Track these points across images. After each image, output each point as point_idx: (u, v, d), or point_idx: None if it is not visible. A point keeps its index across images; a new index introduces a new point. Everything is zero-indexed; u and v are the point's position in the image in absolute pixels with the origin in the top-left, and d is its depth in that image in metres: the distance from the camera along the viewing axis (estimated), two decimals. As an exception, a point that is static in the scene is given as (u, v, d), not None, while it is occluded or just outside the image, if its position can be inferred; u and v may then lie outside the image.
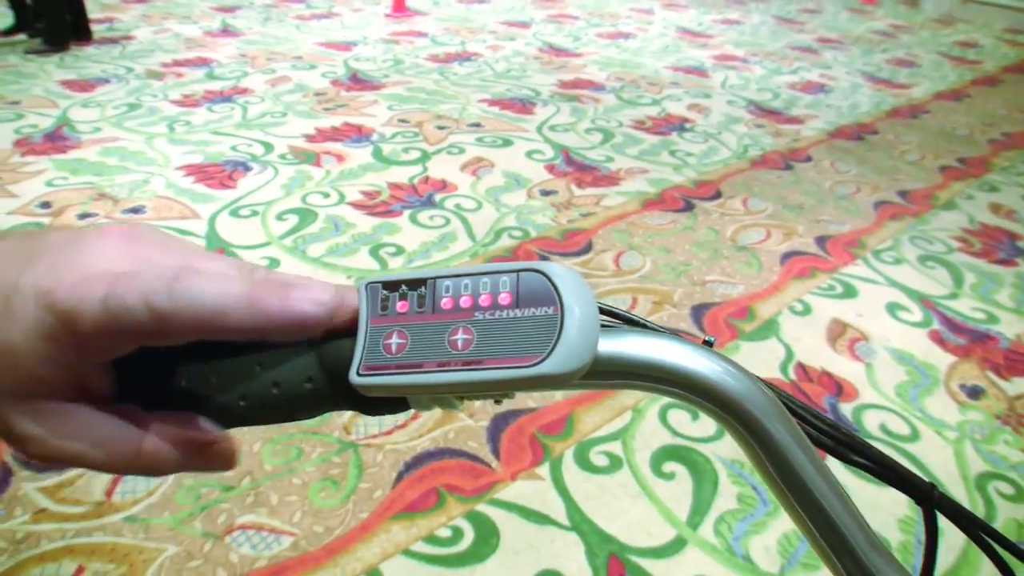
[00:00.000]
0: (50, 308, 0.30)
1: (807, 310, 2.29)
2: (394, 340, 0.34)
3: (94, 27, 4.95)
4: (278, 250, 2.46)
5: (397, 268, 2.39)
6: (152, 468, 0.35)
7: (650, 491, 1.63)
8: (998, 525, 1.60)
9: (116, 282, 0.30)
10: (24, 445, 0.32)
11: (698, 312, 2.24)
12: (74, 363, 0.31)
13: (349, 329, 0.35)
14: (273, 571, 1.41)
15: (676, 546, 1.51)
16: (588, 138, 3.61)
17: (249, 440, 1.70)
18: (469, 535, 1.50)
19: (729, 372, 0.34)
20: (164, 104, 3.77)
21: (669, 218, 2.85)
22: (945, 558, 1.51)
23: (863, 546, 0.35)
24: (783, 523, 1.57)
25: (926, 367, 2.08)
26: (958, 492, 1.68)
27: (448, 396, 0.35)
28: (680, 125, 3.87)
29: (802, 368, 2.03)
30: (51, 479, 1.58)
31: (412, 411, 0.37)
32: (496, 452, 1.70)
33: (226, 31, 5.36)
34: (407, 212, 2.76)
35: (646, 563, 1.47)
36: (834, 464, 0.45)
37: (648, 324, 0.38)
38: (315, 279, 0.34)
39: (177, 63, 4.50)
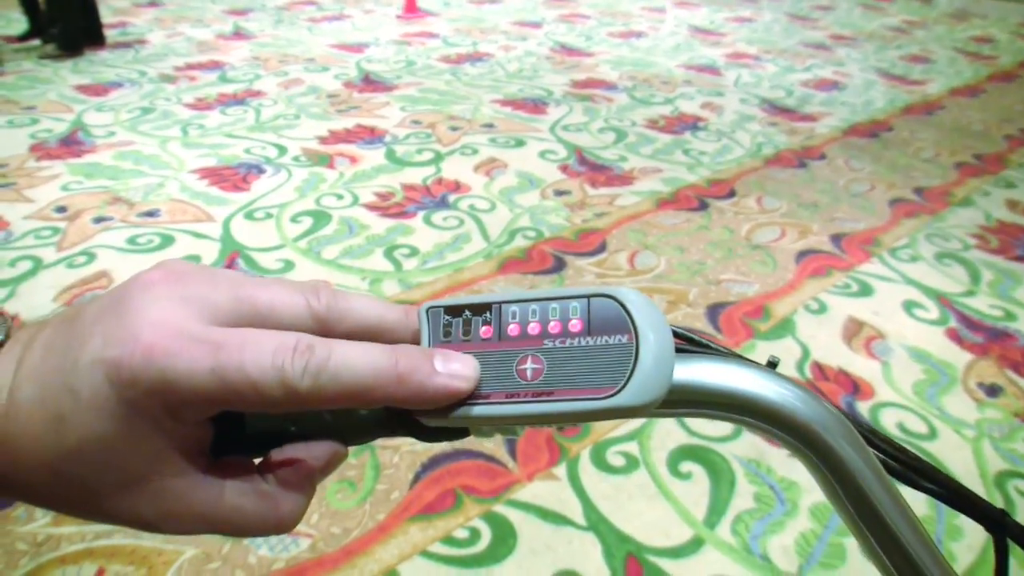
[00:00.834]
0: (129, 382, 0.28)
1: (823, 309, 2.28)
2: None
3: (107, 32, 4.98)
4: (292, 252, 2.47)
5: (412, 270, 2.39)
6: (292, 523, 0.33)
7: (667, 491, 1.62)
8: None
9: (223, 351, 0.28)
10: (161, 528, 0.31)
11: (713, 311, 2.24)
12: (170, 429, 0.29)
13: None
14: (291, 573, 1.41)
15: (693, 546, 1.51)
16: (601, 138, 3.60)
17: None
18: (486, 536, 1.50)
19: (801, 398, 0.33)
20: (178, 107, 3.79)
21: (683, 217, 2.84)
22: (965, 557, 1.50)
23: None
24: (801, 523, 1.56)
25: (943, 365, 2.06)
26: (977, 491, 1.66)
27: (513, 426, 0.34)
28: (693, 124, 3.86)
29: (818, 367, 2.02)
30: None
31: None
32: (513, 453, 1.70)
33: (238, 34, 5.39)
34: (421, 213, 2.77)
35: (664, 563, 1.46)
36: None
37: (713, 346, 0.37)
38: (452, 351, 0.33)
39: (190, 66, 4.52)
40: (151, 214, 2.70)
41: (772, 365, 0.35)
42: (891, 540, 0.34)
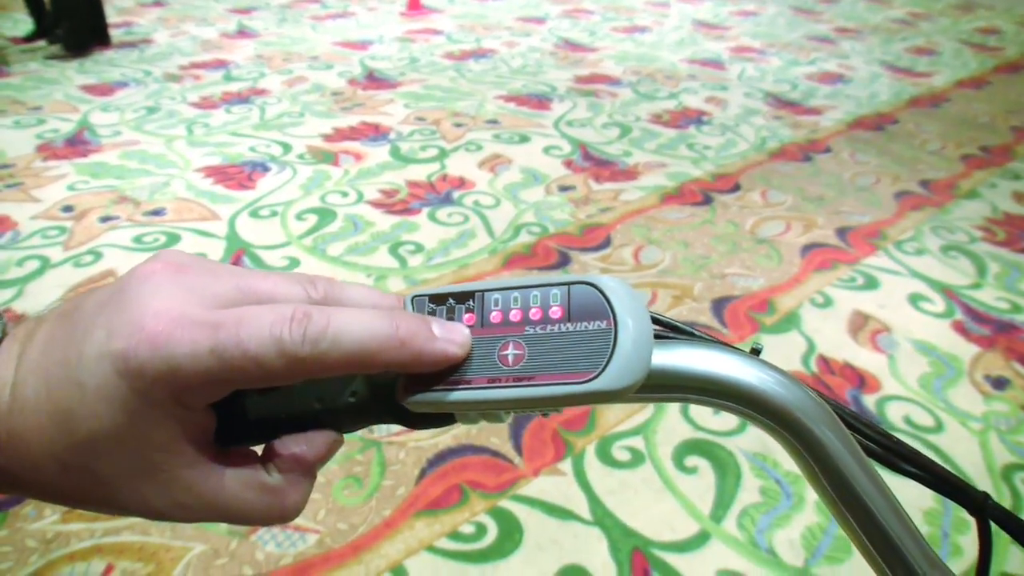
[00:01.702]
0: (137, 372, 0.28)
1: (828, 302, 2.28)
2: None
3: (112, 31, 4.99)
4: (298, 250, 2.47)
5: (417, 266, 2.40)
6: (295, 512, 0.34)
7: (673, 485, 1.63)
8: (1025, 516, 1.59)
9: (222, 329, 0.28)
10: (172, 517, 0.32)
11: (718, 306, 2.23)
12: (179, 416, 0.30)
13: None
14: (298, 568, 1.42)
15: (699, 540, 1.51)
16: (605, 133, 3.60)
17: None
18: (492, 531, 1.51)
19: (781, 382, 0.34)
20: (183, 107, 3.80)
21: (688, 212, 2.84)
22: (973, 551, 1.50)
23: (919, 561, 0.35)
24: (807, 516, 1.56)
25: (950, 358, 2.06)
26: (983, 484, 1.66)
27: (497, 412, 0.35)
28: (698, 118, 3.85)
29: (824, 361, 2.02)
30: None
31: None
32: (518, 448, 1.71)
33: (243, 33, 5.39)
34: (426, 210, 2.77)
35: (670, 557, 1.47)
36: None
37: (696, 332, 0.37)
38: (445, 321, 0.34)
39: (195, 65, 4.53)
40: (157, 213, 2.71)
41: (756, 352, 0.36)
42: (870, 520, 0.34)
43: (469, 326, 0.34)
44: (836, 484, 0.34)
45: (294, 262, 2.39)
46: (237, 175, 3.02)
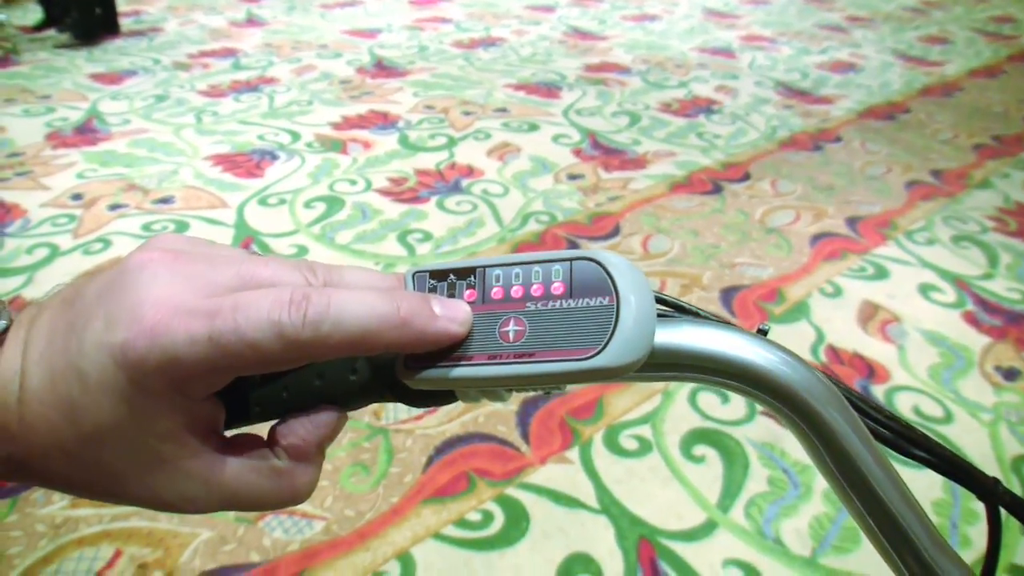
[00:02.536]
0: (136, 364, 0.27)
1: (838, 292, 2.26)
2: None
3: (122, 20, 4.99)
4: (306, 238, 2.47)
5: (425, 254, 2.39)
6: (306, 494, 0.34)
7: (680, 474, 1.62)
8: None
9: (218, 317, 0.28)
10: (182, 509, 0.31)
11: (727, 295, 2.23)
12: (182, 407, 0.29)
13: None
14: (305, 555, 1.42)
15: (707, 529, 1.51)
16: (615, 121, 3.58)
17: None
18: (499, 519, 1.51)
19: (787, 362, 0.33)
20: (191, 95, 3.80)
21: (697, 201, 2.82)
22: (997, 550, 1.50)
23: (926, 544, 0.34)
24: (814, 506, 1.56)
25: (960, 348, 2.05)
26: (993, 474, 1.65)
27: (497, 389, 0.34)
28: (707, 107, 3.83)
29: (833, 350, 2.01)
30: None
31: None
32: (526, 436, 1.70)
33: (251, 21, 5.39)
34: (434, 198, 2.77)
35: (677, 546, 1.46)
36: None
37: (701, 312, 0.37)
38: (445, 298, 0.33)
39: (203, 54, 4.53)
40: (166, 201, 2.71)
41: (762, 332, 0.35)
42: (877, 504, 0.34)
43: (470, 302, 0.33)
44: (842, 466, 0.33)
45: (302, 250, 2.39)
46: (245, 163, 3.02)
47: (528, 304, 0.33)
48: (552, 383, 0.32)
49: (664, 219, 2.67)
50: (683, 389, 1.85)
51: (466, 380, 0.32)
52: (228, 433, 0.34)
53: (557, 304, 0.32)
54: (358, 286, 0.34)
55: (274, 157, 3.08)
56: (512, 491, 1.57)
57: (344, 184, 2.86)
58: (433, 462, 1.63)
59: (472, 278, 0.34)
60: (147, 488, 0.30)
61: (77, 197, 2.72)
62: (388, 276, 0.36)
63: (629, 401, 1.81)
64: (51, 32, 4.70)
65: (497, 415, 1.76)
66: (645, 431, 1.73)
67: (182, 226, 2.53)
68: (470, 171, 3.00)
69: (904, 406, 1.83)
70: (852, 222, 2.69)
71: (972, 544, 1.49)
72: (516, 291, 0.33)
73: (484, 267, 0.34)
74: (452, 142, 3.28)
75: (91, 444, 0.29)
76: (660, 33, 5.36)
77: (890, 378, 1.92)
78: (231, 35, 4.97)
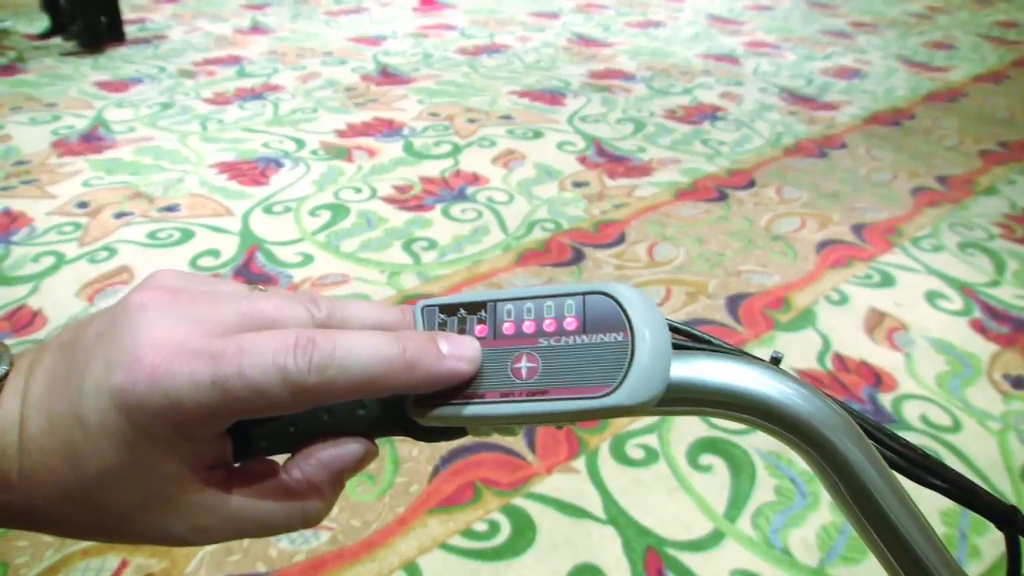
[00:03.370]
0: (137, 407, 0.27)
1: (844, 299, 2.26)
2: None
3: (127, 28, 5.01)
4: (312, 246, 2.47)
5: (431, 262, 2.39)
6: (318, 519, 0.33)
7: (687, 484, 1.62)
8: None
9: (223, 360, 0.27)
10: (193, 542, 0.31)
11: (733, 303, 2.22)
12: (185, 448, 0.29)
13: None
14: (312, 565, 1.42)
15: (714, 539, 1.50)
16: (619, 128, 3.58)
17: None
18: (506, 529, 1.50)
19: (803, 395, 0.32)
20: (196, 102, 3.81)
21: (703, 208, 2.82)
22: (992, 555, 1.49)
23: None
24: (822, 516, 1.55)
25: (967, 356, 2.04)
26: (1003, 485, 1.64)
27: (510, 425, 0.34)
28: (712, 114, 3.83)
29: (839, 359, 2.00)
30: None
31: None
32: (532, 446, 1.70)
33: (256, 28, 5.40)
34: (439, 206, 2.77)
35: (684, 556, 1.46)
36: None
37: (714, 341, 0.36)
38: (451, 333, 0.33)
39: (209, 61, 4.54)
40: (171, 209, 2.71)
41: (775, 361, 0.35)
42: (895, 536, 0.33)
43: (481, 337, 0.33)
44: (859, 498, 0.33)
45: (307, 258, 2.39)
46: (250, 171, 3.02)
47: (540, 340, 0.32)
48: (566, 421, 0.32)
49: (669, 226, 2.66)
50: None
51: (479, 418, 0.32)
52: (237, 464, 0.33)
53: (571, 340, 0.32)
54: (363, 320, 0.34)
55: (279, 165, 3.09)
56: (519, 501, 1.57)
57: (349, 192, 2.87)
58: (439, 472, 1.63)
59: (483, 312, 0.33)
60: (155, 526, 0.30)
61: (83, 205, 2.72)
62: (394, 308, 0.35)
63: (635, 410, 1.80)
64: (57, 40, 4.72)
65: (503, 424, 1.75)
66: (651, 440, 1.73)
67: (187, 234, 2.53)
68: (475, 179, 3.00)
69: (911, 414, 1.83)
70: (858, 229, 2.69)
71: (981, 555, 1.48)
72: (528, 326, 0.32)
73: (495, 301, 0.34)
74: (457, 149, 3.28)
75: (94, 489, 0.28)
76: (664, 39, 5.36)
77: (897, 386, 1.92)
78: (236, 42, 4.98)
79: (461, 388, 0.32)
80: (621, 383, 0.30)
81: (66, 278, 2.28)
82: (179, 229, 2.57)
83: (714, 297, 2.25)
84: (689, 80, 4.39)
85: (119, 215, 2.65)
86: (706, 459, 1.68)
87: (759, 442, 1.72)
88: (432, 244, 2.51)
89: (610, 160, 3.21)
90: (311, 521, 0.33)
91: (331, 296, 0.34)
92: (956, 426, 1.80)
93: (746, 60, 4.87)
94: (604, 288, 0.32)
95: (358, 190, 2.88)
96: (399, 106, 3.82)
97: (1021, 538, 0.37)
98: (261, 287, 0.34)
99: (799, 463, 1.67)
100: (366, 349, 0.29)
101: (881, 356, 2.03)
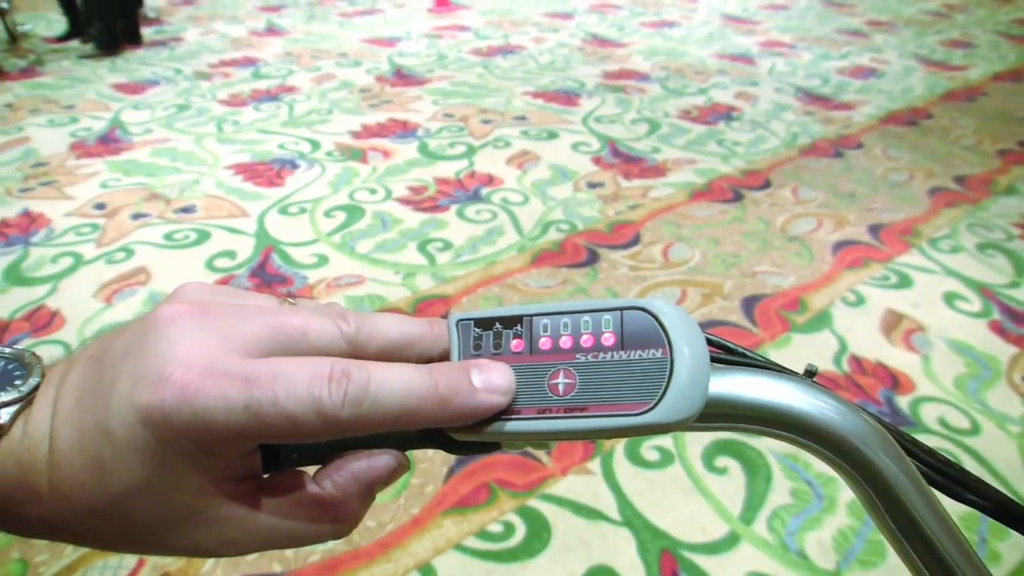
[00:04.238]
0: (164, 424, 0.27)
1: (860, 301, 2.24)
2: None
3: (144, 30, 5.04)
4: (327, 247, 2.48)
5: (445, 263, 2.39)
6: (348, 529, 0.33)
7: (702, 486, 1.61)
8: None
9: (256, 385, 0.27)
10: (222, 553, 0.31)
11: (749, 304, 2.21)
12: (212, 464, 0.29)
13: None
14: (327, 565, 1.42)
15: (729, 542, 1.49)
16: (634, 129, 3.58)
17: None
18: (520, 530, 1.50)
19: (840, 411, 0.32)
20: (212, 104, 3.83)
21: (718, 209, 2.81)
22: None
23: None
24: (839, 519, 1.54)
25: (986, 358, 2.02)
26: (1022, 488, 1.63)
27: (546, 441, 0.33)
28: (727, 114, 3.82)
29: (856, 360, 1.99)
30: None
31: None
32: (548, 446, 1.69)
33: (271, 30, 5.43)
34: (454, 207, 2.77)
35: (699, 559, 1.45)
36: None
37: (748, 354, 0.36)
38: (485, 362, 0.32)
39: (224, 63, 4.57)
40: (187, 210, 2.73)
41: (810, 374, 0.34)
42: (933, 554, 0.33)
43: (517, 352, 0.33)
44: (897, 516, 0.32)
45: (322, 259, 2.40)
46: (266, 172, 3.03)
47: (578, 355, 0.32)
48: (604, 438, 0.31)
49: (684, 227, 2.66)
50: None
51: (515, 435, 0.32)
52: (266, 475, 0.33)
53: (608, 356, 0.31)
54: (391, 334, 0.33)
55: (294, 166, 3.10)
56: (533, 502, 1.56)
57: (364, 193, 2.87)
58: (454, 473, 1.63)
59: (519, 327, 0.33)
60: (183, 539, 0.30)
61: (100, 206, 2.74)
62: (421, 321, 0.34)
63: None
64: (75, 43, 4.76)
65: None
66: (667, 442, 1.72)
67: (203, 235, 2.54)
68: (490, 179, 3.00)
69: (929, 417, 1.81)
70: (874, 230, 2.67)
71: (1001, 560, 1.47)
72: (565, 341, 0.32)
73: (531, 316, 0.33)
74: (471, 150, 3.28)
75: (121, 503, 0.28)
76: (679, 39, 5.35)
77: (915, 388, 1.90)
78: (251, 44, 5.01)
79: None
80: (660, 400, 0.30)
81: (84, 279, 2.30)
82: (195, 230, 2.58)
83: (729, 298, 2.24)
84: (704, 80, 4.37)
85: (136, 216, 2.67)
86: (721, 461, 1.67)
87: (775, 444, 1.72)
88: (447, 245, 2.51)
89: (625, 161, 3.21)
90: (340, 533, 0.33)
91: (358, 311, 0.34)
92: (975, 429, 1.78)
93: (761, 60, 4.85)
94: (642, 304, 0.32)
95: (373, 191, 2.89)
96: (414, 107, 3.82)
97: None
98: (291, 300, 0.34)
99: (815, 465, 1.66)
100: (400, 384, 0.29)
101: (898, 358, 2.01)
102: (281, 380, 0.28)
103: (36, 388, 0.30)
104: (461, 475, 1.62)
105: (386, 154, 3.23)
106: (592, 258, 2.44)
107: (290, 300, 0.34)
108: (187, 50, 4.85)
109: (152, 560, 1.43)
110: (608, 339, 0.31)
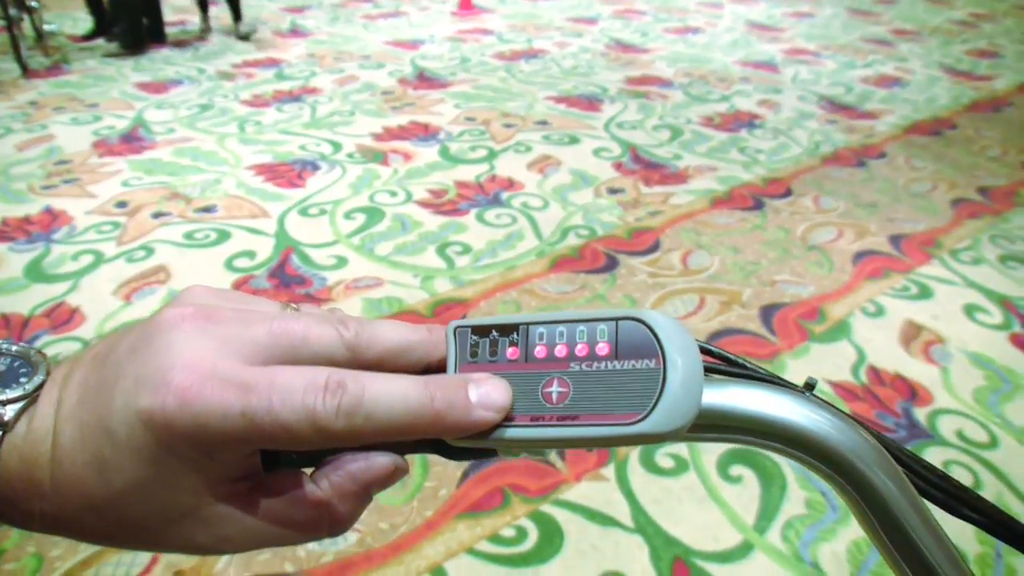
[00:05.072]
0: (164, 427, 0.28)
1: (880, 311, 2.23)
2: None
3: (168, 30, 5.09)
4: (346, 249, 2.49)
5: (464, 267, 2.40)
6: (344, 528, 0.34)
7: (716, 494, 1.60)
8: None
9: (254, 393, 0.28)
10: (219, 551, 0.32)
11: (767, 313, 2.20)
12: (209, 466, 0.29)
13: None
14: (340, 566, 1.43)
15: (742, 551, 1.48)
16: (656, 135, 3.57)
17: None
18: (533, 535, 1.50)
19: (835, 425, 0.32)
20: (235, 104, 3.86)
21: (738, 216, 2.80)
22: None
23: None
24: (853, 531, 1.53)
25: (1007, 371, 2.00)
26: (1041, 503, 1.61)
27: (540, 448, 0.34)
28: (750, 122, 3.80)
29: (874, 371, 1.98)
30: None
31: None
32: (561, 453, 1.70)
33: (295, 31, 5.46)
34: (474, 211, 2.77)
35: (712, 567, 1.45)
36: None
37: (747, 364, 0.36)
38: (483, 376, 0.32)
39: (247, 64, 4.60)
40: (208, 210, 2.75)
41: (809, 387, 0.34)
42: (926, 570, 0.32)
43: (513, 360, 0.33)
44: (890, 531, 0.32)
45: (342, 261, 2.41)
46: (287, 173, 3.05)
47: (572, 364, 0.32)
48: (595, 447, 0.32)
49: (705, 235, 2.65)
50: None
51: (508, 441, 0.32)
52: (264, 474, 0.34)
53: (602, 366, 0.32)
54: (390, 340, 0.33)
55: (315, 167, 3.11)
56: (547, 508, 1.56)
57: (384, 195, 2.88)
58: (468, 477, 1.63)
59: (515, 335, 0.34)
60: (180, 536, 0.31)
61: (122, 205, 2.77)
62: (420, 328, 0.35)
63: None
64: (100, 41, 4.80)
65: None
66: (682, 450, 1.72)
67: (224, 235, 2.56)
68: (510, 184, 3.01)
69: (947, 430, 1.80)
70: (895, 240, 2.65)
71: (1017, 572, 1.45)
72: (560, 350, 0.33)
73: (528, 324, 0.34)
74: (492, 154, 3.29)
75: (120, 500, 0.29)
76: (703, 46, 5.33)
77: (933, 400, 1.89)
78: (275, 45, 5.04)
79: None
80: (652, 410, 0.30)
81: (104, 276, 2.32)
82: (216, 230, 2.60)
83: (748, 307, 2.23)
84: (727, 87, 4.36)
85: (157, 215, 2.69)
86: (736, 470, 1.67)
87: (791, 454, 1.70)
88: (466, 249, 2.51)
89: (646, 167, 3.20)
90: (335, 532, 0.33)
91: (359, 318, 0.34)
92: (993, 443, 1.76)
93: (785, 67, 4.82)
94: (637, 314, 0.32)
95: (393, 194, 2.90)
96: (435, 110, 3.83)
97: None
98: (294, 305, 0.35)
99: (831, 477, 1.64)
100: (395, 397, 0.29)
101: (917, 370, 1.99)
102: (278, 389, 0.28)
103: (41, 386, 0.31)
104: (475, 479, 1.62)
105: (407, 157, 3.24)
106: (611, 264, 2.44)
107: (293, 306, 0.35)
108: (211, 50, 4.89)
109: (165, 558, 1.44)
110: (603, 349, 0.32)
